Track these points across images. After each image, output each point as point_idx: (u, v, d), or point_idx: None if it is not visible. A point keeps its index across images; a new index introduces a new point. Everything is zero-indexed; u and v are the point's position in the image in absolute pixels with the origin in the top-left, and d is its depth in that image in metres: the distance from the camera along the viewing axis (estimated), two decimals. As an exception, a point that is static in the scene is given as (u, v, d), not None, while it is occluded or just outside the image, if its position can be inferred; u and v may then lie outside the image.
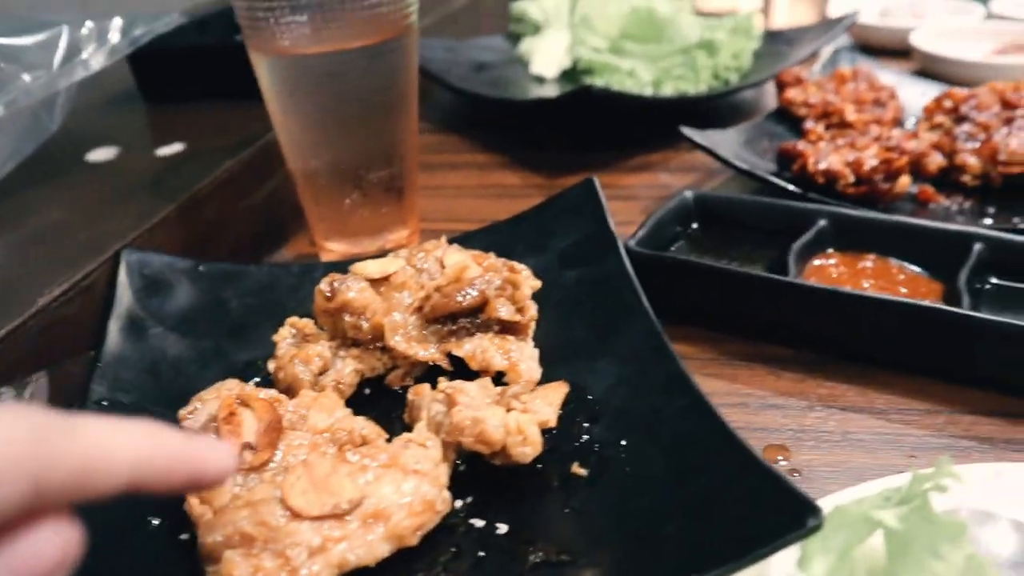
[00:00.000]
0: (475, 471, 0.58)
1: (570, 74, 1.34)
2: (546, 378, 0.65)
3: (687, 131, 0.90)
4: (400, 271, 0.70)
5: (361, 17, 0.76)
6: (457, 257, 0.71)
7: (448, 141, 1.22)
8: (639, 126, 1.15)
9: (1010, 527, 0.48)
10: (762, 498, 0.46)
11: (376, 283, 0.70)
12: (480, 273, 0.69)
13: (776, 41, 1.37)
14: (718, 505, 0.48)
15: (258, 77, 0.82)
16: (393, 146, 0.84)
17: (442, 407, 0.59)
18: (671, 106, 1.14)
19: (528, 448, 0.55)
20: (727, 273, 0.70)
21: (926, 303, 0.64)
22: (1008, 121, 0.90)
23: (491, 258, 0.72)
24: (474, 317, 0.68)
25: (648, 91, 1.23)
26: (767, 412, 0.65)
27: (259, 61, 0.81)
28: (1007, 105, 0.91)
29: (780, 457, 0.60)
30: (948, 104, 0.94)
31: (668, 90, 1.23)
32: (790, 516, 0.43)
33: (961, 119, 0.92)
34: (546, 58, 1.35)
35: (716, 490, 0.49)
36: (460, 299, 0.66)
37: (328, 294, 0.67)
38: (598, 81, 1.27)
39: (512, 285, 0.68)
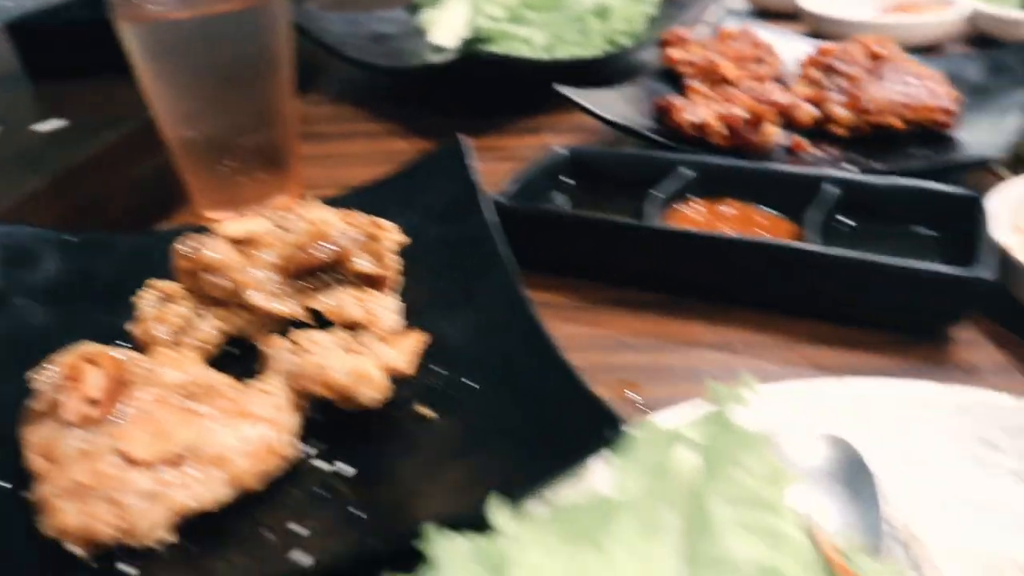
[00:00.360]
0: (331, 420, 0.59)
1: (470, 44, 1.34)
2: (408, 330, 0.66)
3: (562, 89, 0.91)
4: (263, 230, 0.70)
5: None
6: (318, 214, 0.71)
7: (342, 112, 1.22)
8: (533, 93, 1.15)
9: (822, 440, 0.50)
10: (579, 418, 0.47)
11: (240, 243, 0.70)
12: (341, 229, 0.69)
13: (672, 5, 1.39)
14: (543, 428, 0.49)
15: (126, 46, 0.81)
16: (266, 111, 0.84)
17: (292, 356, 0.59)
18: (561, 70, 1.15)
19: (374, 392, 0.56)
20: (583, 220, 0.72)
21: (765, 239, 0.66)
22: (874, 72, 0.92)
23: (357, 216, 0.72)
24: (335, 272, 0.68)
25: (543, 57, 1.24)
26: (622, 352, 0.67)
27: (125, 30, 0.80)
28: (874, 58, 0.94)
29: (629, 391, 0.62)
30: (821, 59, 0.97)
31: (561, 55, 1.24)
32: (598, 432, 0.45)
33: (831, 72, 0.95)
34: (445, 28, 1.35)
35: (543, 416, 0.51)
36: (319, 253, 0.67)
37: (187, 254, 0.67)
38: (495, 49, 1.27)
39: (373, 239, 0.69)
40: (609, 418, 0.45)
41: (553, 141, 1.03)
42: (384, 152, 1.05)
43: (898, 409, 0.53)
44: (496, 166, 0.77)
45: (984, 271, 0.60)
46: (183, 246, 0.67)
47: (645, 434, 0.45)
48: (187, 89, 0.81)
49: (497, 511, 0.41)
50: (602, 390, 0.50)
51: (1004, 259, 0.65)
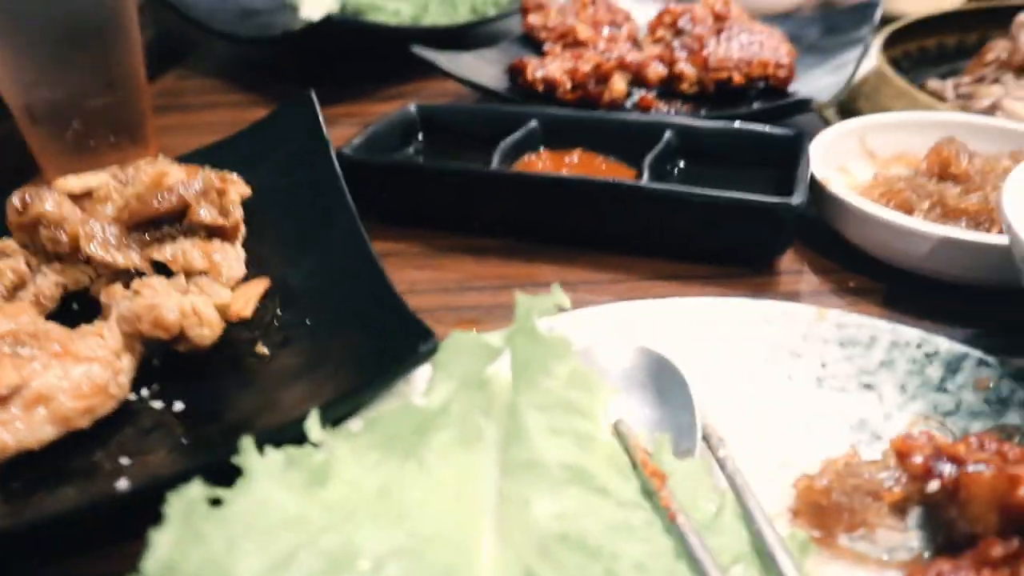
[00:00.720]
0: (168, 364, 0.59)
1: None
2: (254, 279, 0.66)
3: (419, 50, 0.93)
4: (103, 185, 0.70)
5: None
6: (160, 166, 0.71)
7: (207, 84, 1.21)
8: (395, 62, 1.16)
9: (636, 352, 0.53)
10: (394, 336, 0.49)
11: (79, 199, 0.69)
12: (181, 180, 0.69)
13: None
14: (362, 351, 0.51)
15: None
16: (112, 72, 0.83)
17: (127, 301, 0.59)
18: (423, 37, 1.15)
19: (205, 329, 0.56)
20: (426, 169, 0.73)
21: (594, 177, 0.69)
22: (718, 32, 0.96)
23: (200, 170, 0.72)
24: (179, 224, 0.68)
25: (421, 23, 1.25)
26: (466, 294, 0.68)
27: (-43, -13, 0.77)
28: (717, 18, 0.98)
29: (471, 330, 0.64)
30: (667, 20, 1.01)
31: (426, 24, 1.25)
32: (407, 347, 0.46)
33: (679, 33, 0.99)
34: (315, 2, 1.35)
35: (366, 340, 0.52)
36: (157, 204, 0.66)
37: (19, 207, 0.66)
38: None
39: (217, 192, 0.69)
40: (422, 332, 0.47)
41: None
42: (248, 120, 1.03)
43: (709, 323, 0.57)
44: (354, 131, 0.78)
45: (795, 199, 0.64)
46: (16, 200, 0.66)
47: (455, 345, 0.47)
48: (24, 50, 0.79)
49: (312, 425, 0.42)
50: (441, 328, 0.50)
51: (821, 192, 0.70)
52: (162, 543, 0.34)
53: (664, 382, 0.52)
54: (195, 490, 0.36)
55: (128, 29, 0.83)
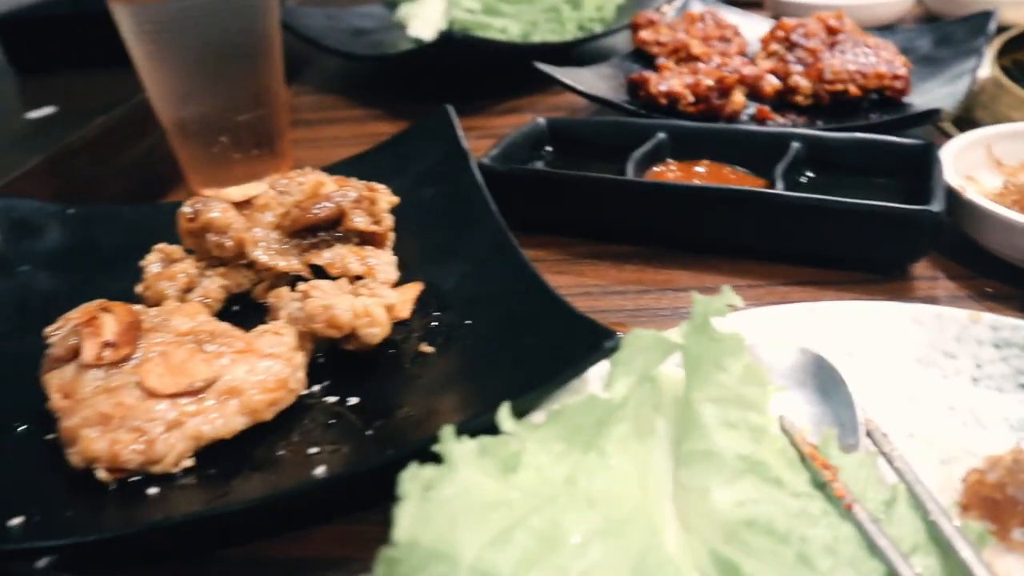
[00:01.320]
0: (334, 361, 0.62)
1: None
2: (404, 282, 0.70)
3: (541, 66, 0.96)
4: (262, 194, 0.74)
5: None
6: (315, 176, 0.75)
7: (326, 101, 1.26)
8: (510, 77, 1.20)
9: (797, 351, 0.54)
10: (571, 335, 0.51)
11: (240, 206, 0.73)
12: (336, 189, 0.73)
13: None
14: (538, 349, 0.53)
15: (120, 28, 0.84)
16: (258, 89, 0.88)
17: (299, 304, 0.62)
18: (536, 53, 1.19)
19: (376, 328, 0.60)
20: (567, 178, 0.76)
21: (732, 187, 0.71)
22: (832, 45, 0.98)
23: (351, 180, 0.76)
24: (334, 230, 0.72)
25: (533, 40, 1.29)
26: (608, 298, 0.71)
27: (119, 11, 0.83)
28: (831, 31, 1.00)
29: (618, 332, 0.66)
30: (780, 34, 1.02)
31: (536, 40, 1.29)
32: (592, 343, 0.49)
33: (792, 46, 1.00)
34: (423, 21, 1.40)
35: (537, 339, 0.55)
36: (316, 211, 0.70)
37: (190, 215, 0.70)
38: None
39: (369, 200, 0.73)
40: (602, 332, 0.49)
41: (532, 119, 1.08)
42: (370, 134, 1.09)
43: (862, 326, 0.58)
44: (478, 143, 0.81)
45: (935, 206, 0.65)
46: (187, 208, 0.71)
47: (634, 342, 0.49)
48: (179, 67, 0.85)
49: (504, 416, 0.45)
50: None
51: (955, 199, 0.71)
52: (404, 520, 0.37)
53: (824, 380, 0.53)
54: (427, 472, 0.39)
55: (272, 48, 0.88)
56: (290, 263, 0.70)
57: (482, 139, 0.99)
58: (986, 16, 1.04)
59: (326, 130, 1.13)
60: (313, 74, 1.38)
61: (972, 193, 0.70)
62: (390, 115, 1.15)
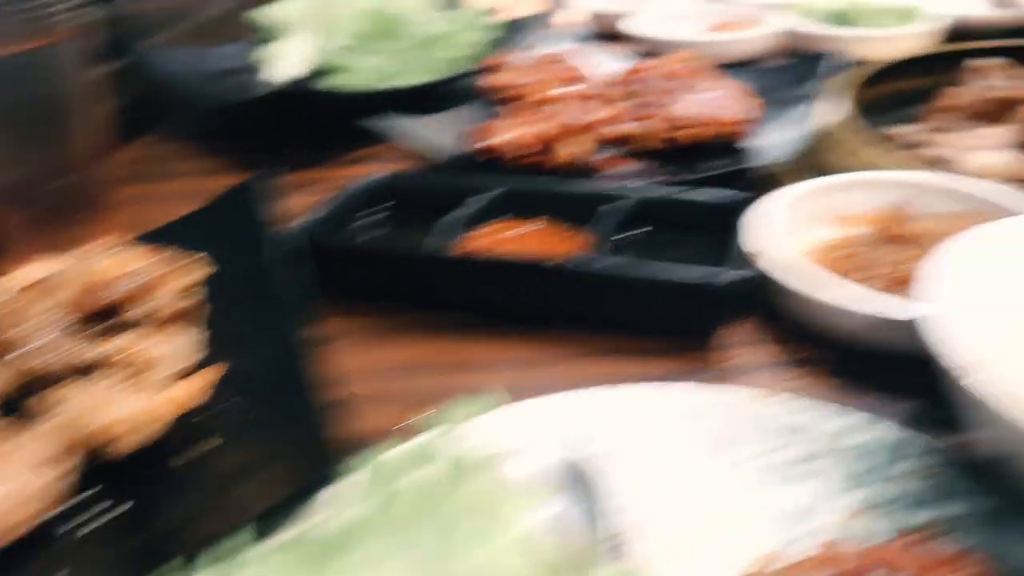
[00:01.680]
0: (113, 463, 0.58)
1: (313, 76, 1.35)
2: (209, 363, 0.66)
3: (366, 123, 0.94)
4: (55, 273, 0.70)
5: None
6: (119, 254, 0.71)
7: (176, 151, 1.21)
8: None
9: (552, 452, 0.52)
10: (307, 455, 0.50)
11: (27, 289, 0.69)
12: (135, 268, 0.69)
13: (515, 30, 1.42)
14: (279, 462, 0.51)
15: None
16: (70, 155, 0.83)
17: (65, 405, 0.59)
18: (397, 97, 1.15)
19: (136, 436, 0.56)
20: (356, 248, 0.74)
21: (518, 259, 0.70)
22: (676, 90, 0.97)
23: (154, 253, 0.72)
24: (132, 310, 0.68)
25: (380, 86, 1.25)
26: (414, 375, 0.68)
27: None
28: (674, 77, 0.99)
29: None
30: (627, 78, 1.01)
31: (407, 83, 1.26)
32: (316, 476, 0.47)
33: (636, 92, 0.99)
34: (289, 60, 1.35)
35: (282, 446, 0.53)
36: (109, 295, 0.67)
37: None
38: (339, 80, 1.28)
39: (169, 278, 0.69)
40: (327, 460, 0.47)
41: (382, 170, 1.05)
42: (205, 191, 1.04)
43: (647, 414, 0.56)
44: (322, 197, 0.79)
45: (725, 276, 0.63)
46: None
47: (381, 456, 0.47)
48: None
49: (242, 540, 0.42)
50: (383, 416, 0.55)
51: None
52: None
53: (583, 487, 0.51)
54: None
55: (79, 114, 0.83)
56: (64, 359, 0.65)
57: (323, 193, 0.96)
58: (817, 57, 1.04)
59: (168, 185, 1.09)
60: (171, 121, 1.33)
61: (769, 257, 0.68)
62: (230, 168, 1.11)
